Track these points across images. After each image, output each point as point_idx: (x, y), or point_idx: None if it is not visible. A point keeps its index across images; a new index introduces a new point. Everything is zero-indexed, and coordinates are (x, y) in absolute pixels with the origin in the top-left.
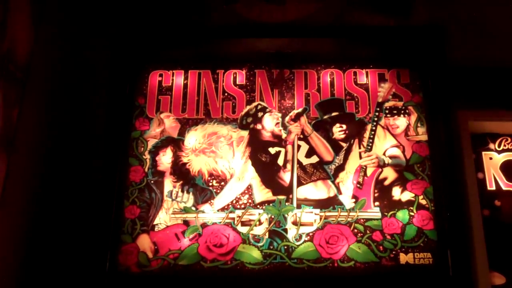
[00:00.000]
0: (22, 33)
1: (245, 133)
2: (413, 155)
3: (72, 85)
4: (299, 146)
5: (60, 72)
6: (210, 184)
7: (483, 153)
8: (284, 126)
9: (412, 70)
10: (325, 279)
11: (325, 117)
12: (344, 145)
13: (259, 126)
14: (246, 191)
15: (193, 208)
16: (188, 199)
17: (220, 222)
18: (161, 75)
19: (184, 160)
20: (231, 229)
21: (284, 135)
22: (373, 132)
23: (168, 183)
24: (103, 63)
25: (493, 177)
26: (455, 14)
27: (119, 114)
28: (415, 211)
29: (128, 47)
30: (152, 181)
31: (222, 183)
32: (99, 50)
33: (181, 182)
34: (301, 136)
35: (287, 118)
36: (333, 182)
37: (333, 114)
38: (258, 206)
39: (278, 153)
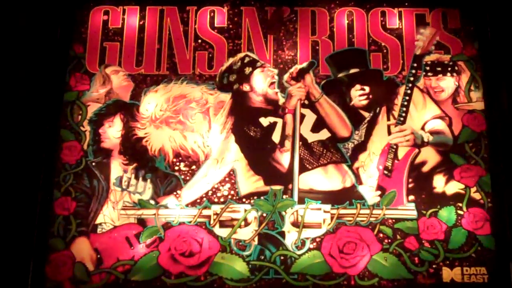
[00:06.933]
0: None
1: (226, 97)
2: (464, 131)
3: None
4: (302, 116)
5: None
6: (176, 167)
7: None
8: (282, 88)
9: (464, 11)
10: None
11: (340, 75)
12: (367, 115)
13: (246, 87)
14: (227, 179)
15: (152, 202)
16: (145, 189)
17: (190, 222)
18: (107, 13)
19: (140, 133)
20: (205, 232)
21: (281, 100)
22: (407, 98)
23: (116, 166)
24: None
25: None
26: None
27: (47, 68)
28: (465, 208)
29: None
30: (93, 163)
31: (193, 167)
32: None
33: (134, 164)
34: (306, 102)
35: (286, 77)
36: (350, 167)
37: (352, 71)
38: (244, 200)
39: (273, 125)
